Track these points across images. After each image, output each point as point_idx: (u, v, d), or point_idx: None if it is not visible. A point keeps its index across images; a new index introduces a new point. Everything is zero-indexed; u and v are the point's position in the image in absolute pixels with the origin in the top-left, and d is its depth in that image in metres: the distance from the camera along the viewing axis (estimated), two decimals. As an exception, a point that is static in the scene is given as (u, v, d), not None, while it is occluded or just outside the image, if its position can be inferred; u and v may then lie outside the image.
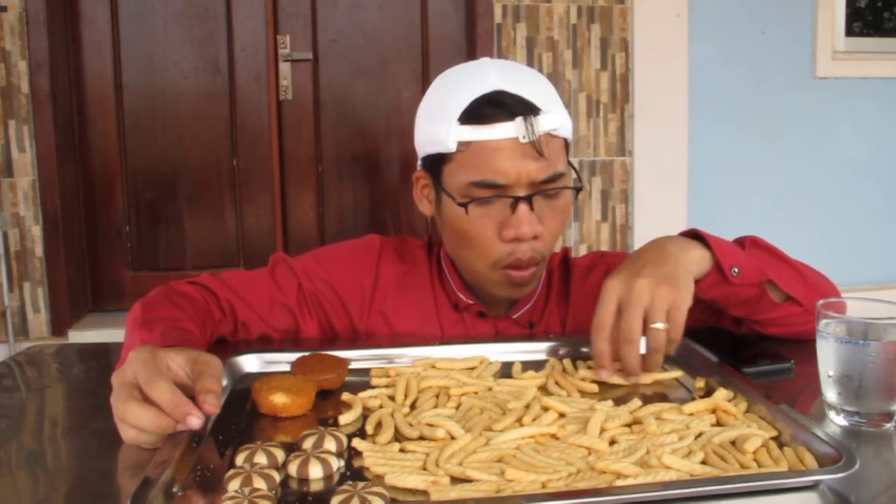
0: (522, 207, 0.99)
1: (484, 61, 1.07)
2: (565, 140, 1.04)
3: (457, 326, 1.13)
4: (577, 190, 1.05)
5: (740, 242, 1.04)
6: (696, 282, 0.95)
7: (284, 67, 3.08)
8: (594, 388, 0.90)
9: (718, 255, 0.95)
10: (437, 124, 1.02)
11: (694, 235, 0.99)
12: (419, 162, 1.10)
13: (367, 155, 3.20)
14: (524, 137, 0.97)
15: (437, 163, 1.04)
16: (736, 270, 0.95)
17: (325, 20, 3.10)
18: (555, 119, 1.00)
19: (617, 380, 0.91)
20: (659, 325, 0.88)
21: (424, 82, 3.17)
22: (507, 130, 0.98)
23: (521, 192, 0.99)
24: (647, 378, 0.92)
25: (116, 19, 2.99)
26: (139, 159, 3.07)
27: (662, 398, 0.88)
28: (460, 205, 1.00)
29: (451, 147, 1.00)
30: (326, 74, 3.12)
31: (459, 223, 1.02)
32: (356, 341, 1.12)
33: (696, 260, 0.94)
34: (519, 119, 0.98)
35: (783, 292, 1.01)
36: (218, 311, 1.08)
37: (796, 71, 3.34)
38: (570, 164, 1.05)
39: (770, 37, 3.29)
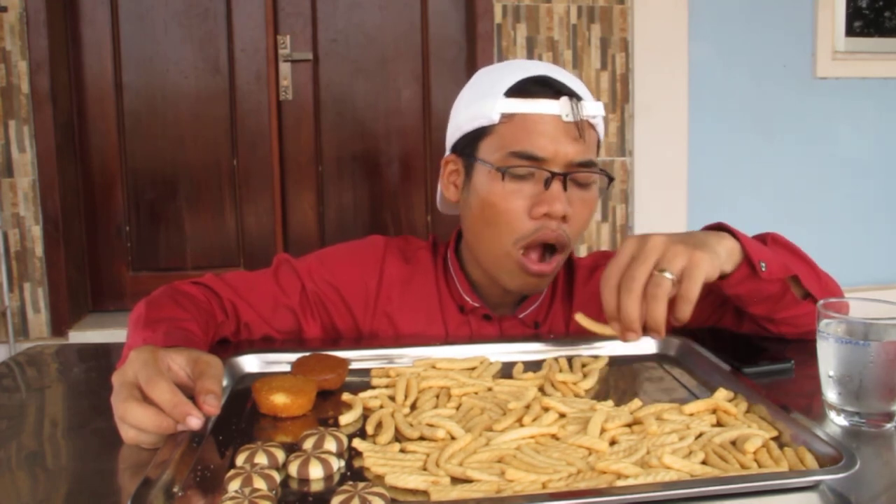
0: (556, 185, 1.01)
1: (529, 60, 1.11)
2: (598, 137, 1.08)
3: (462, 328, 1.13)
4: (610, 180, 1.07)
5: (762, 239, 1.03)
6: (727, 276, 0.91)
7: (284, 67, 3.08)
8: (590, 385, 0.90)
9: (748, 249, 0.92)
10: (482, 102, 1.04)
11: (721, 229, 0.96)
12: (449, 149, 1.12)
13: (367, 155, 3.20)
14: (567, 116, 1.01)
15: (474, 140, 1.06)
16: (764, 265, 0.93)
17: (325, 20, 3.10)
18: (596, 108, 1.05)
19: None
20: (665, 274, 0.79)
21: (424, 82, 3.17)
22: (552, 107, 1.01)
23: (557, 170, 1.01)
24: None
25: (116, 19, 2.99)
26: (139, 159, 3.07)
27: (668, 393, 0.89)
28: (498, 169, 1.01)
29: (495, 118, 1.03)
30: (326, 74, 3.12)
31: (490, 197, 1.03)
32: (358, 341, 1.12)
33: (728, 250, 0.90)
34: (564, 98, 1.02)
35: (803, 289, 1.01)
36: (221, 312, 1.08)
37: (796, 71, 3.34)
38: (601, 169, 1.06)
39: (770, 37, 3.29)
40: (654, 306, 0.79)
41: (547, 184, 1.00)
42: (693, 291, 0.80)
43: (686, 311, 0.80)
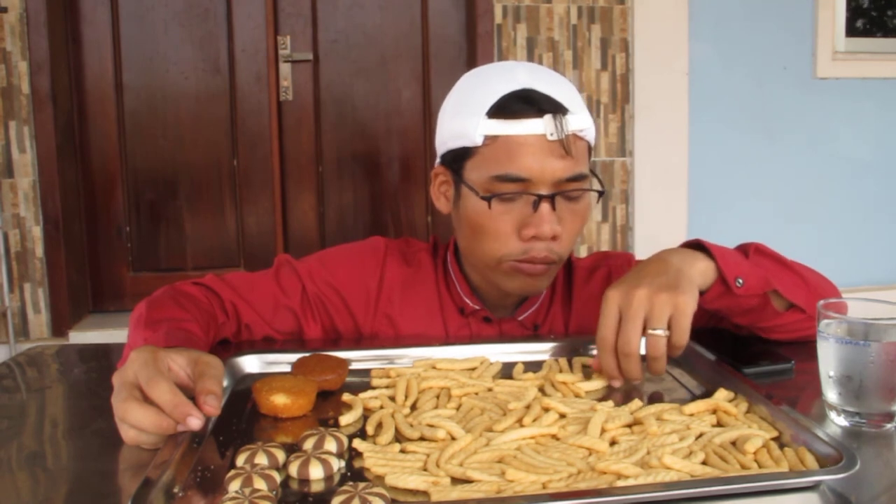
0: (544, 206, 0.99)
1: (512, 62, 1.08)
2: (588, 144, 1.05)
3: (462, 331, 1.13)
4: (600, 194, 1.05)
5: (744, 250, 1.03)
6: (701, 293, 0.93)
7: (285, 68, 3.08)
8: (591, 386, 0.90)
9: (723, 266, 0.94)
10: (465, 119, 1.01)
11: (698, 246, 0.97)
12: (438, 159, 1.10)
13: (367, 155, 3.20)
14: (552, 135, 0.98)
15: (459, 158, 1.03)
16: (740, 281, 0.94)
17: (325, 20, 3.10)
18: (582, 120, 1.01)
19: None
20: (658, 332, 0.87)
21: (424, 82, 3.17)
22: (536, 127, 0.98)
23: (545, 191, 0.99)
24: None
25: (116, 19, 2.99)
26: (139, 159, 3.07)
27: (662, 396, 0.88)
28: (483, 198, 1.00)
29: (478, 140, 1.00)
30: (326, 74, 3.12)
31: (478, 218, 1.01)
32: (358, 342, 1.12)
33: (700, 272, 0.93)
34: (548, 116, 0.98)
35: (787, 300, 1.01)
36: (221, 313, 1.08)
37: (796, 71, 3.35)
38: (592, 171, 1.05)
39: (770, 37, 3.30)
40: (655, 366, 0.89)
41: (535, 206, 0.99)
42: (684, 339, 0.88)
43: (679, 352, 0.89)
